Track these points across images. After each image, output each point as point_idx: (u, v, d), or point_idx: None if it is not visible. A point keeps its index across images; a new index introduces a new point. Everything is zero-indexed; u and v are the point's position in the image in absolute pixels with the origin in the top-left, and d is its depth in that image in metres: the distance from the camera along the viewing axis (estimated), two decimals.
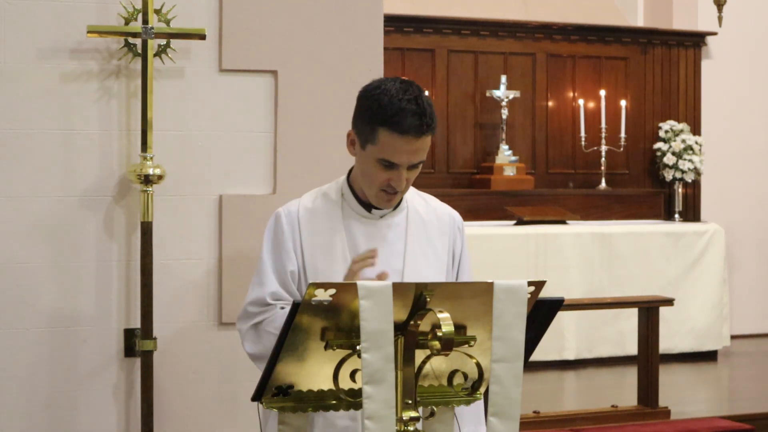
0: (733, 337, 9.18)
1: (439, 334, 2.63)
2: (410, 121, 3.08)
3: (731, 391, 8.11)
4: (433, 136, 3.19)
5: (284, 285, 3.24)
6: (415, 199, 3.38)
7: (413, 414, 2.75)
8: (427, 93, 3.18)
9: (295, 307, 2.66)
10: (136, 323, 4.13)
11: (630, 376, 7.22)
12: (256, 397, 2.82)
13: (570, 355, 8.32)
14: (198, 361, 4.24)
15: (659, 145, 9.67)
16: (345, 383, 2.79)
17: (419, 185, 3.41)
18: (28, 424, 4.05)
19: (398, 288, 2.67)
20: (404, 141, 3.10)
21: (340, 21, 4.35)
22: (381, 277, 3.13)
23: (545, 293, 2.83)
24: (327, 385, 2.81)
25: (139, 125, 4.09)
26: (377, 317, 2.63)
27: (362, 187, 3.26)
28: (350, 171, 3.33)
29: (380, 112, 3.11)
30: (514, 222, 8.63)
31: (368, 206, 3.28)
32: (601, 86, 9.61)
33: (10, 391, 4.03)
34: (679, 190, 9.64)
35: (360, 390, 2.67)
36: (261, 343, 3.24)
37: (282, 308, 3.21)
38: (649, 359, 6.50)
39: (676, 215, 9.57)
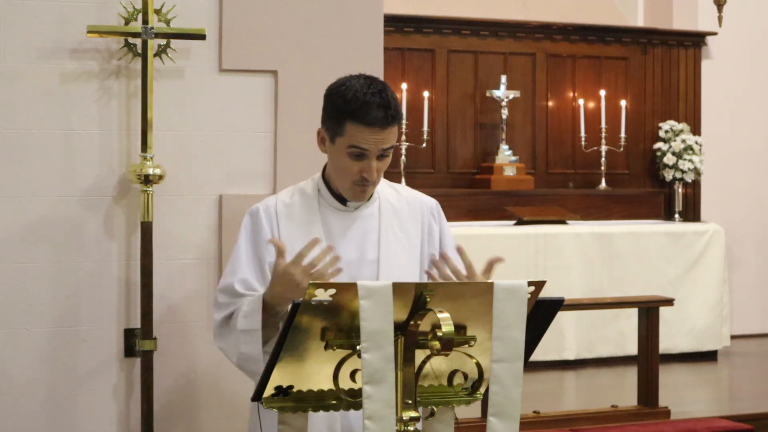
0: (733, 337, 9.17)
1: (439, 334, 2.63)
2: (375, 113, 3.21)
3: (731, 391, 8.10)
4: (400, 127, 3.29)
5: (261, 273, 3.34)
6: (387, 190, 3.51)
7: (413, 414, 2.75)
8: (390, 88, 3.32)
9: (295, 307, 2.66)
10: (136, 323, 4.13)
11: (630, 376, 7.21)
12: (256, 397, 2.82)
13: (570, 355, 8.31)
14: (198, 361, 4.24)
15: (659, 145, 9.66)
16: (345, 383, 2.79)
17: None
18: (29, 424, 4.05)
19: (398, 288, 2.68)
20: (371, 132, 3.22)
21: (340, 21, 4.35)
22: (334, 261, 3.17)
23: (545, 293, 2.83)
24: (327, 385, 2.81)
25: (139, 125, 4.09)
26: (377, 317, 2.64)
27: (336, 183, 3.38)
28: (324, 168, 3.45)
29: (346, 107, 3.23)
30: (514, 222, 8.62)
31: (343, 199, 3.41)
32: (601, 86, 9.60)
33: (11, 391, 4.03)
34: (679, 190, 9.63)
35: (360, 390, 2.67)
36: (226, 340, 3.35)
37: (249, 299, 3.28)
38: (649, 359, 6.49)
39: (676, 215, 9.56)
